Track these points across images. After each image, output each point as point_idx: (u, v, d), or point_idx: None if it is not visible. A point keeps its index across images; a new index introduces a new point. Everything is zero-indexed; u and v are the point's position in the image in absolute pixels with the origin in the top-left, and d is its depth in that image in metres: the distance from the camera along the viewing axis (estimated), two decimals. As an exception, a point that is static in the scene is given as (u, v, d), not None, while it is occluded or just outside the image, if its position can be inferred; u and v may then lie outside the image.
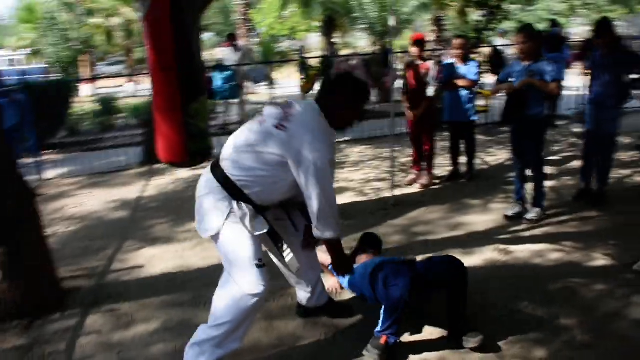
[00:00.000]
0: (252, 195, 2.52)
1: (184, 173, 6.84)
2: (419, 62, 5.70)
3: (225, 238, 2.53)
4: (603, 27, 4.59)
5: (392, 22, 5.23)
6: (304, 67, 8.10)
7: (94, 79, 18.08)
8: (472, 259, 3.88)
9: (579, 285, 3.47)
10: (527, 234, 4.36)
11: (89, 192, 6.46)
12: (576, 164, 6.21)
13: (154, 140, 4.40)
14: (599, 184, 4.92)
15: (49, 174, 7.38)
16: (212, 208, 2.53)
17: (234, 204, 2.50)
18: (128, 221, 5.30)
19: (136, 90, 16.58)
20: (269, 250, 2.92)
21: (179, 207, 5.55)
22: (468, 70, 5.74)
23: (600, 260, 3.81)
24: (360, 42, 20.55)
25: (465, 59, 5.79)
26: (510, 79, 4.56)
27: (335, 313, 3.23)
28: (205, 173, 2.67)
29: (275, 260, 3.02)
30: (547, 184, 5.02)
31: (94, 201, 6.02)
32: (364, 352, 2.77)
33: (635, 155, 6.49)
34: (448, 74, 5.75)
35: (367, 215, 4.96)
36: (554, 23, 8.29)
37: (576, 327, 3.01)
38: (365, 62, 8.44)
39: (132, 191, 6.34)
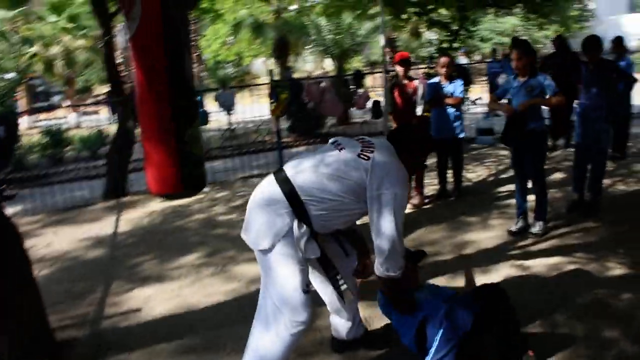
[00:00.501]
0: (313, 217, 2.39)
1: (157, 205, 6.48)
2: (405, 81, 5.66)
3: (277, 257, 2.37)
4: (591, 43, 4.70)
5: (382, 42, 5.15)
6: (274, 91, 7.92)
7: (37, 110, 17.15)
8: (491, 277, 3.78)
9: (608, 295, 3.43)
10: (535, 248, 4.32)
11: (54, 230, 5.98)
12: (558, 175, 6.35)
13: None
14: (591, 194, 4.98)
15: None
16: (271, 221, 2.36)
17: (295, 222, 2.35)
18: (108, 260, 4.88)
19: (80, 120, 15.86)
20: (311, 277, 2.70)
21: (162, 241, 5.20)
22: (454, 88, 5.74)
23: (617, 269, 3.80)
24: (309, 65, 20.63)
25: (450, 77, 5.80)
26: (507, 96, 4.57)
27: (372, 344, 3.03)
28: (269, 182, 2.49)
29: (319, 288, 2.80)
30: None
31: (63, 240, 5.55)
32: None
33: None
34: (434, 92, 5.74)
35: (367, 241, 4.78)
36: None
37: (621, 338, 2.94)
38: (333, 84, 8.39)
39: (103, 227, 5.90)
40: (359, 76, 8.60)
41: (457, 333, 2.53)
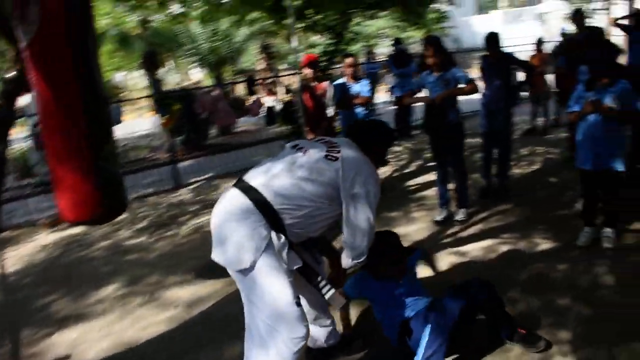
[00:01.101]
0: (288, 227, 2.24)
1: (47, 237, 5.75)
2: (314, 84, 5.61)
3: (262, 273, 2.17)
4: (491, 41, 5.04)
5: (294, 42, 5.04)
6: (162, 103, 7.46)
7: None
8: (429, 270, 3.86)
9: (545, 268, 3.65)
10: (465, 234, 4.49)
11: None
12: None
13: None
14: (500, 179, 5.32)
15: None
16: (247, 235, 2.16)
17: (273, 233, 2.18)
18: (7, 306, 4.21)
19: None
20: None
21: (68, 276, 4.60)
22: (361, 87, 5.81)
23: (544, 244, 4.07)
24: (181, 75, 19.87)
25: (355, 77, 5.87)
26: (422, 89, 4.72)
27: (349, 349, 2.91)
28: (234, 195, 2.27)
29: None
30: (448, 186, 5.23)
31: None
32: None
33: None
34: (341, 93, 5.76)
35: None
36: (397, 41, 8.92)
37: (574, 304, 3.14)
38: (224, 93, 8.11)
39: (-15, 270, 5.08)
40: (251, 82, 8.41)
41: (446, 326, 2.50)
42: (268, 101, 8.84)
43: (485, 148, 5.33)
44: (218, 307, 3.70)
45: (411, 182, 6.30)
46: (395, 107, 9.02)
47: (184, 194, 7.20)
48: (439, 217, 4.78)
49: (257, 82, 8.65)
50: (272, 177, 2.29)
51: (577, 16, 5.95)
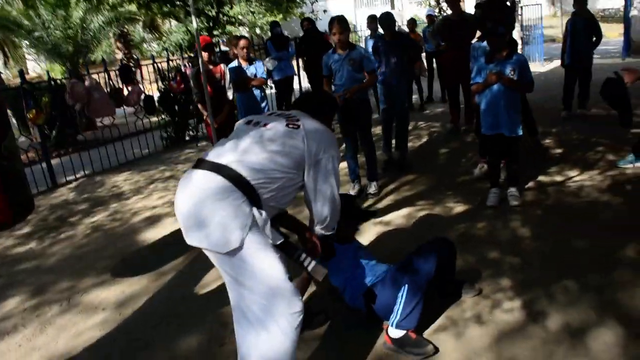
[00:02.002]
0: (264, 201, 2.18)
1: None
2: (211, 67, 5.41)
3: (251, 251, 2.07)
4: (386, 21, 5.26)
5: (195, 24, 4.75)
6: (29, 96, 6.67)
7: None
8: (364, 238, 3.97)
9: (468, 228, 3.95)
10: (381, 205, 4.67)
11: None
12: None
13: None
14: (401, 152, 5.62)
15: None
16: (231, 215, 2.04)
17: (254, 209, 2.10)
18: None
19: None
20: None
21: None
22: (255, 69, 5.73)
23: (458, 207, 4.39)
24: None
25: (249, 59, 5.76)
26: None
27: (314, 321, 2.91)
28: (204, 175, 2.13)
29: None
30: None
31: None
32: (411, 358, 2.56)
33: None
34: (237, 76, 5.63)
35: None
36: (275, 24, 8.87)
37: (503, 256, 3.44)
38: (96, 81, 7.46)
39: None
40: (127, 71, 7.82)
41: (422, 285, 2.61)
42: (146, 90, 8.33)
43: (386, 123, 5.57)
44: (153, 303, 3.46)
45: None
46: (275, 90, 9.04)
47: (65, 193, 6.54)
48: (353, 192, 4.92)
49: (134, 70, 8.06)
50: (242, 153, 2.20)
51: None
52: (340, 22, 4.55)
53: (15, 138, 3.30)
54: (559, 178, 4.75)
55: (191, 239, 2.15)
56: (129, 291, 3.67)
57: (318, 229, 2.46)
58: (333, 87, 4.76)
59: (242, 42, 5.77)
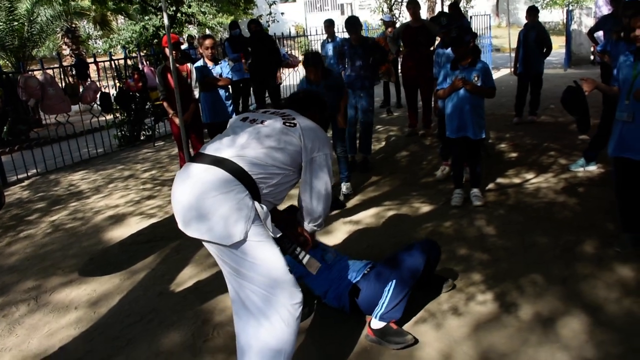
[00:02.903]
0: (263, 196, 2.24)
1: None
2: (177, 65, 5.35)
3: (254, 243, 2.13)
4: (353, 24, 5.40)
5: (166, 21, 4.67)
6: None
7: None
8: (337, 236, 4.08)
9: (436, 226, 4.11)
10: (349, 205, 4.78)
11: None
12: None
13: None
14: (363, 154, 5.76)
15: None
16: (235, 208, 2.08)
17: (256, 203, 2.16)
18: None
19: None
20: None
21: None
22: (221, 69, 5.72)
23: (424, 207, 4.55)
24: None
25: (214, 59, 5.75)
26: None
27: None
28: (206, 169, 2.16)
29: None
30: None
31: None
32: (391, 347, 2.65)
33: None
34: (202, 75, 5.61)
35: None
36: (234, 25, 8.82)
37: (473, 251, 3.62)
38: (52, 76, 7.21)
39: None
40: (82, 66, 7.59)
41: (409, 280, 2.71)
42: (102, 87, 8.12)
43: (350, 126, 5.68)
44: (129, 302, 3.41)
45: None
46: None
47: (18, 192, 6.30)
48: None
49: (89, 66, 7.83)
50: (241, 148, 2.24)
51: (412, 6, 6.63)
52: (313, 64, 4.59)
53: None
54: (516, 180, 5.01)
55: (192, 231, 2.16)
56: (101, 290, 3.60)
57: (309, 225, 2.52)
58: None
59: (207, 42, 5.74)
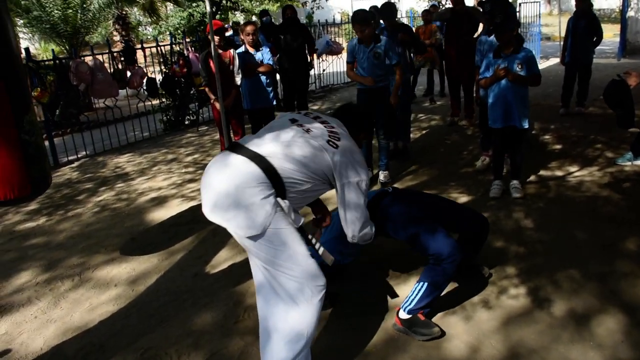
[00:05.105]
0: (289, 200, 2.27)
1: None
2: (220, 51, 5.44)
3: (278, 232, 2.18)
4: (388, 11, 5.34)
5: (208, 7, 4.77)
6: (35, 73, 6.65)
7: None
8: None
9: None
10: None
11: None
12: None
13: None
14: (403, 142, 5.72)
15: None
16: (259, 202, 2.14)
17: (279, 199, 2.21)
18: None
19: None
20: None
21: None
22: (262, 55, 5.77)
23: (462, 197, 4.50)
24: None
25: (256, 45, 5.80)
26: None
27: (326, 303, 2.97)
28: (241, 162, 2.21)
29: None
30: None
31: None
32: (417, 338, 2.65)
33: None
34: (243, 62, 5.66)
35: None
36: (264, 12, 8.82)
37: (510, 244, 3.56)
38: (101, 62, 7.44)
39: None
40: (130, 52, 7.81)
41: (442, 285, 2.68)
42: (149, 72, 8.34)
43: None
44: (165, 281, 3.53)
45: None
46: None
47: (67, 172, 6.56)
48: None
49: (136, 52, 8.04)
50: (280, 149, 2.27)
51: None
52: (359, 21, 4.61)
53: (36, 113, 3.34)
54: (559, 172, 4.87)
55: (215, 217, 2.22)
56: (141, 268, 3.74)
57: (353, 240, 2.50)
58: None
59: (248, 28, 5.78)
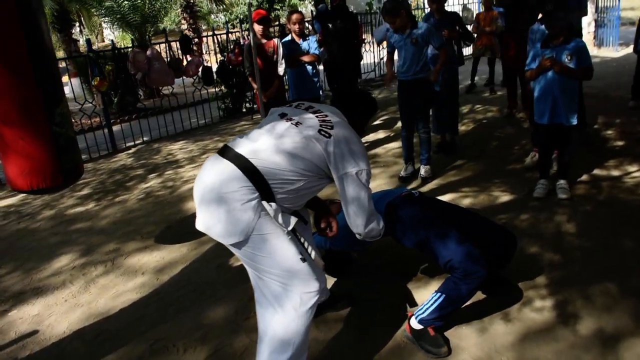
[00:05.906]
0: (278, 201, 2.16)
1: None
2: (264, 41, 5.43)
3: (263, 237, 2.10)
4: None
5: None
6: (96, 62, 6.96)
7: None
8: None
9: (511, 219, 3.81)
10: (426, 188, 4.60)
11: None
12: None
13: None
14: (451, 135, 5.49)
15: None
16: (237, 208, 2.06)
17: (264, 202, 2.10)
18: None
19: None
20: None
21: (11, 250, 4.27)
22: (309, 45, 5.69)
23: (504, 196, 4.25)
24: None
25: (302, 35, 5.73)
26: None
27: (338, 304, 2.93)
28: (224, 165, 2.14)
29: None
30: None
31: None
32: (423, 352, 2.52)
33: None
34: (289, 51, 5.62)
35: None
36: (320, 0, 8.69)
37: (544, 250, 3.32)
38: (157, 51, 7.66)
39: None
40: (186, 41, 7.99)
41: (458, 303, 2.52)
42: (207, 61, 8.50)
43: (438, 105, 5.43)
44: (189, 272, 3.59)
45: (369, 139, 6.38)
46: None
47: (123, 158, 6.84)
48: (404, 173, 4.86)
49: (193, 41, 8.23)
50: (262, 147, 2.17)
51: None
52: (388, 14, 4.45)
53: (68, 105, 3.45)
54: (615, 172, 4.49)
55: (201, 225, 2.19)
56: (169, 257, 3.82)
57: (359, 236, 2.40)
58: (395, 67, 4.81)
59: (294, 17, 5.71)
